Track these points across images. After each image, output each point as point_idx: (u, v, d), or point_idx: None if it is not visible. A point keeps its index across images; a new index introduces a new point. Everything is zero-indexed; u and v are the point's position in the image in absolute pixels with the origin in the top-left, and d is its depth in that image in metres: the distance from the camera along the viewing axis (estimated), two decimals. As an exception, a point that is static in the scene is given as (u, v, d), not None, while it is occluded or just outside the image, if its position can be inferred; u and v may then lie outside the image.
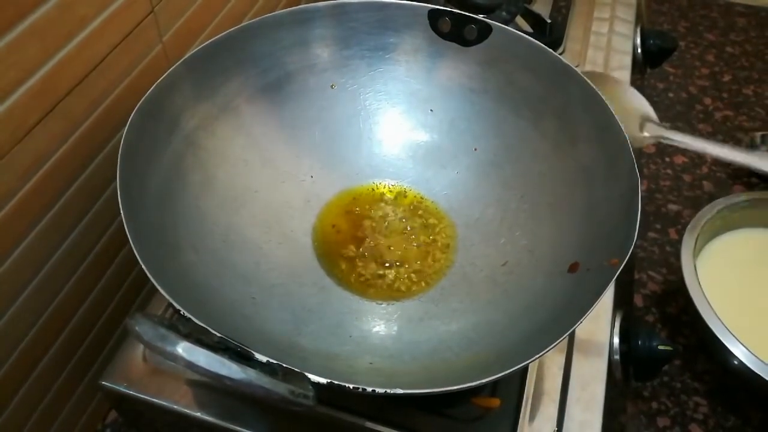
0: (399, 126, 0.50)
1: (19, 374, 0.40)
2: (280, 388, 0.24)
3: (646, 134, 0.58)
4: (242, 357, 0.27)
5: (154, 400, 0.39)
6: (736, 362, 0.48)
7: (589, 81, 0.43)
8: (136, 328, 0.24)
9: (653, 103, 0.80)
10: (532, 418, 0.38)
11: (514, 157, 0.47)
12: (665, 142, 0.58)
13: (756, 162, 0.57)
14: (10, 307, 0.38)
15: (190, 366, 0.23)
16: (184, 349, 0.23)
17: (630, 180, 0.38)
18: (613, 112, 0.41)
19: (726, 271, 0.56)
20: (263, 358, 0.28)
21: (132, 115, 0.37)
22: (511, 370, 0.30)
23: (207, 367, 0.23)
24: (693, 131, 0.75)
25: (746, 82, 0.84)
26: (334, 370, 0.35)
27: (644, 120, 0.59)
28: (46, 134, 0.37)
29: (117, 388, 0.39)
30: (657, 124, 0.59)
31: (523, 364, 0.30)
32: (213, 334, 0.28)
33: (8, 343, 0.39)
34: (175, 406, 0.39)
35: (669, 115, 0.79)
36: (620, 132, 0.40)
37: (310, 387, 0.27)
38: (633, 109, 0.61)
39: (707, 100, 0.81)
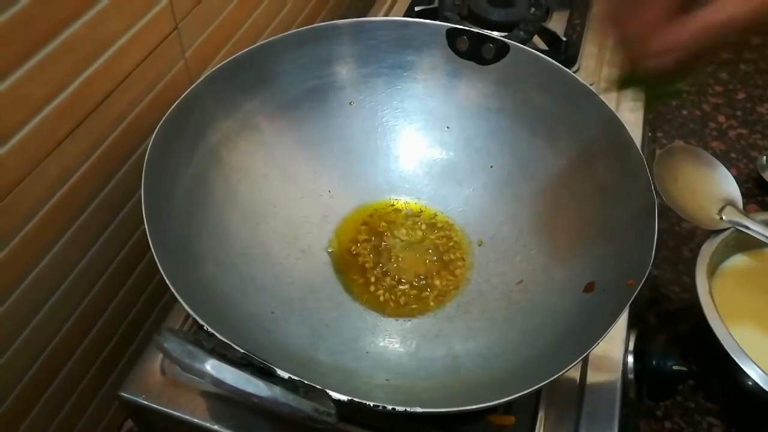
0: (416, 143, 0.51)
1: (41, 383, 0.41)
2: (305, 406, 0.25)
3: (724, 218, 0.54)
4: (264, 373, 0.28)
5: (172, 412, 0.39)
6: (750, 383, 0.48)
7: (605, 101, 0.43)
8: (165, 344, 0.24)
9: (666, 121, 0.81)
10: (546, 436, 0.38)
11: (530, 175, 0.47)
12: (742, 230, 0.54)
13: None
14: (34, 318, 0.39)
15: (218, 383, 0.24)
16: (212, 366, 0.24)
17: (646, 200, 0.39)
18: (632, 136, 0.41)
19: (740, 291, 0.56)
20: (285, 375, 0.28)
21: (156, 129, 0.38)
22: (529, 390, 0.30)
23: (234, 385, 0.24)
24: (706, 149, 0.75)
25: (760, 100, 0.84)
26: (352, 386, 0.35)
27: (727, 203, 0.55)
28: (73, 148, 0.38)
29: (135, 399, 0.39)
30: (738, 210, 0.55)
31: (541, 384, 0.31)
32: (236, 349, 0.29)
33: (31, 354, 0.39)
34: (192, 419, 0.39)
35: (682, 133, 0.79)
36: (636, 151, 0.41)
37: (332, 404, 0.27)
38: (718, 189, 0.57)
39: (721, 118, 0.81)
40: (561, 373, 0.31)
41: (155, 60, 0.43)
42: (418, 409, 0.28)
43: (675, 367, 0.43)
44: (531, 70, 0.47)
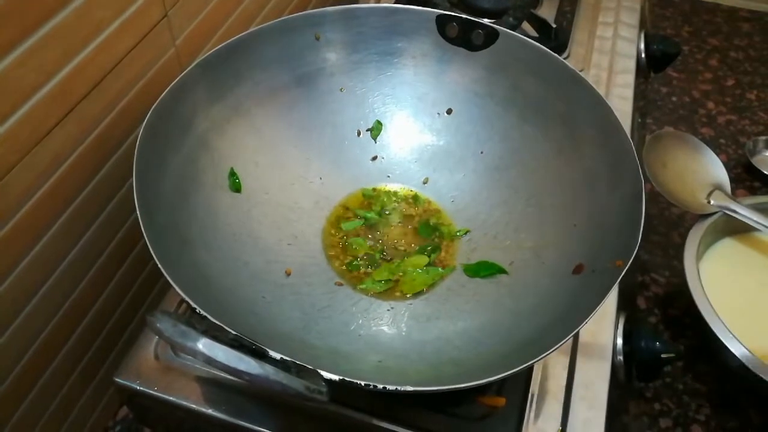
0: (406, 129, 0.51)
1: (36, 370, 0.41)
2: (295, 383, 0.25)
3: (712, 203, 0.55)
4: (256, 354, 0.28)
5: (166, 396, 0.40)
6: (737, 364, 0.49)
7: (594, 86, 0.44)
8: (158, 324, 0.24)
9: (656, 107, 0.81)
10: (537, 416, 0.39)
11: (520, 160, 0.48)
12: (730, 214, 0.55)
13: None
14: (28, 304, 0.39)
15: (210, 361, 0.24)
16: (204, 345, 0.24)
17: (634, 183, 0.39)
18: (621, 122, 0.41)
19: (728, 274, 0.57)
20: (277, 356, 0.29)
21: (147, 116, 0.38)
22: (517, 369, 0.31)
23: (226, 363, 0.24)
24: (696, 135, 0.75)
25: (749, 86, 0.84)
26: (344, 367, 0.36)
27: (715, 188, 0.57)
28: (63, 135, 0.38)
29: (130, 384, 0.40)
30: (726, 194, 0.56)
31: (529, 363, 0.31)
32: (228, 331, 0.29)
33: (25, 340, 0.40)
34: (186, 403, 0.39)
35: (672, 119, 0.80)
36: (625, 136, 0.41)
37: (323, 383, 0.28)
38: (707, 174, 0.58)
39: (710, 105, 0.82)
40: (549, 353, 0.31)
41: (145, 48, 0.43)
42: (409, 388, 0.29)
43: (662, 349, 0.43)
44: (520, 56, 0.47)
